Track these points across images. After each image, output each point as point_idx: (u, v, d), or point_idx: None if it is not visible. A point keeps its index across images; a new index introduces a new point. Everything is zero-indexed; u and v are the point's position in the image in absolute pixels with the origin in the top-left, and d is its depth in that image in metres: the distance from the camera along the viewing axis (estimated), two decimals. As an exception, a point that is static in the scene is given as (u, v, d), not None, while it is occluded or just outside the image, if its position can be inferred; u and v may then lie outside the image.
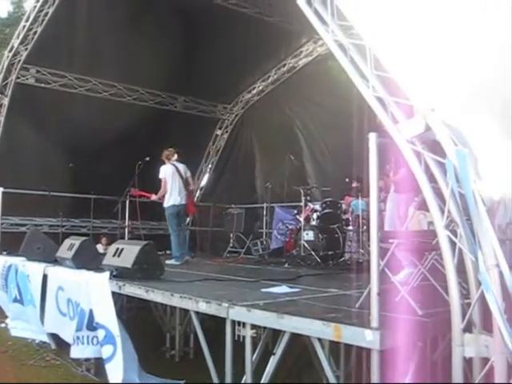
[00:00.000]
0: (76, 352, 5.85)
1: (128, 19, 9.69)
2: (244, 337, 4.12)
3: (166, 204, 8.99)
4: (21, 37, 10.04)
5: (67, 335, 6.22)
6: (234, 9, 10.12)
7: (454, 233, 3.09)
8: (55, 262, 7.35)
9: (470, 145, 3.13)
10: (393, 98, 3.32)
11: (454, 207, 3.01)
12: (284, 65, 12.51)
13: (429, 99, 3.20)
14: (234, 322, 4.17)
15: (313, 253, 8.89)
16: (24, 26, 9.93)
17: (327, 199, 9.47)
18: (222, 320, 4.30)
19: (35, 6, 9.64)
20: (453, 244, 3.04)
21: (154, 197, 9.20)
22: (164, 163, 9.12)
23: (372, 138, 3.32)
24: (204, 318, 4.84)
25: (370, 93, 3.39)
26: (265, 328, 4.11)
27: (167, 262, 8.50)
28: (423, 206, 4.21)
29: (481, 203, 2.85)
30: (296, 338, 3.92)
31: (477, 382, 2.92)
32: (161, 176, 8.98)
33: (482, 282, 2.73)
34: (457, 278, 2.99)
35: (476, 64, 4.70)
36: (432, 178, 3.22)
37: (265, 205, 11.91)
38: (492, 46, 5.05)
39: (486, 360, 2.96)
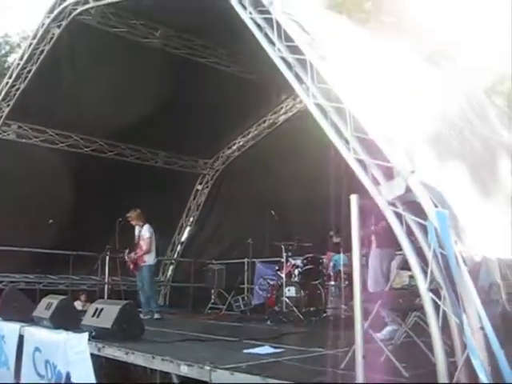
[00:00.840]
0: (53, 417, 5.65)
1: (110, 75, 9.80)
2: (227, 400, 4.02)
3: (151, 262, 9.31)
4: (3, 93, 10.11)
5: None
6: (215, 67, 10.29)
7: (437, 292, 3.09)
8: (32, 321, 7.16)
9: (450, 204, 3.17)
10: (373, 161, 3.37)
11: (437, 269, 3.02)
12: (264, 121, 12.68)
13: (408, 161, 3.25)
14: (216, 385, 4.08)
15: (295, 309, 8.81)
16: (7, 83, 10.01)
17: (308, 255, 9.46)
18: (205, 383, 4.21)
19: (18, 64, 9.75)
20: (436, 305, 3.04)
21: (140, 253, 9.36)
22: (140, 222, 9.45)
23: (353, 199, 3.35)
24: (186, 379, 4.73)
25: (350, 155, 3.44)
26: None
27: (156, 316, 9.06)
28: (406, 265, 4.24)
29: (463, 265, 2.87)
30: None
31: None
32: (150, 235, 9.32)
33: (468, 346, 2.72)
34: (442, 341, 2.97)
35: (448, 124, 4.86)
36: (414, 239, 3.24)
37: (246, 260, 11.82)
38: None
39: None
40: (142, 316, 8.63)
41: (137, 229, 9.46)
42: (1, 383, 7.12)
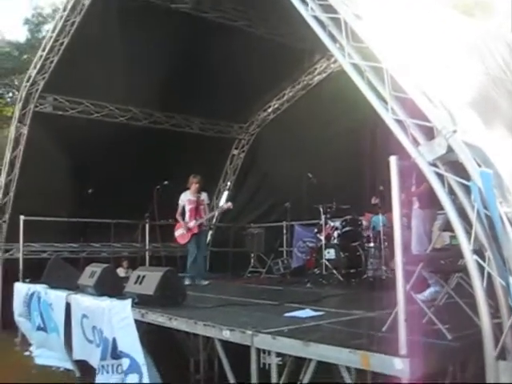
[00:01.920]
0: (101, 381, 5.79)
1: (141, 44, 9.75)
2: (269, 364, 4.05)
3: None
4: (38, 66, 10.18)
5: (96, 362, 6.19)
6: (246, 29, 10.14)
7: (481, 254, 3.02)
8: (77, 289, 7.34)
9: (494, 165, 3.06)
10: (413, 120, 3.27)
11: (481, 230, 2.94)
12: (299, 82, 12.53)
13: (449, 120, 3.14)
14: (258, 349, 4.11)
15: (335, 271, 8.81)
16: (41, 56, 10.07)
17: (347, 217, 9.39)
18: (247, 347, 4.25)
19: (51, 37, 9.78)
20: (481, 267, 2.97)
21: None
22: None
23: (393, 161, 3.26)
24: (227, 343, 4.78)
25: (389, 115, 3.35)
26: (290, 356, 4.05)
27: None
28: (448, 226, 4.15)
29: (509, 226, 2.78)
30: (322, 364, 3.86)
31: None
32: (209, 201, 9.78)
33: (515, 309, 2.66)
34: (487, 304, 2.90)
35: (491, 78, 4.67)
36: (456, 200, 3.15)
37: (284, 223, 11.84)
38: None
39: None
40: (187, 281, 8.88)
41: (191, 195, 9.39)
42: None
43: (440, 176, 3.15)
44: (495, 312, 3.08)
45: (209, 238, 14.15)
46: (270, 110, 13.41)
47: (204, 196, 9.48)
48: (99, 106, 11.38)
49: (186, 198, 9.36)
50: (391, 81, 3.41)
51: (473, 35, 5.70)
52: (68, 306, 6.99)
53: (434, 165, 3.18)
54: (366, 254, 9.13)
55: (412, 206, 6.09)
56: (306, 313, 5.24)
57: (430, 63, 3.77)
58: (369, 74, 3.60)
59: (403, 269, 3.24)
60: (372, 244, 9.18)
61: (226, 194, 14.40)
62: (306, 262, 10.65)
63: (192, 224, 9.21)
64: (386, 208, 9.09)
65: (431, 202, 5.80)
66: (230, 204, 9.56)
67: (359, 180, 10.44)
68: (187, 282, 8.82)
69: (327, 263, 8.96)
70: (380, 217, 9.08)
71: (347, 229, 9.22)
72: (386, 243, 8.93)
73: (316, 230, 9.90)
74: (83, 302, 6.74)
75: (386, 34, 3.60)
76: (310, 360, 3.83)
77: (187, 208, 9.32)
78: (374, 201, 9.63)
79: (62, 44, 9.69)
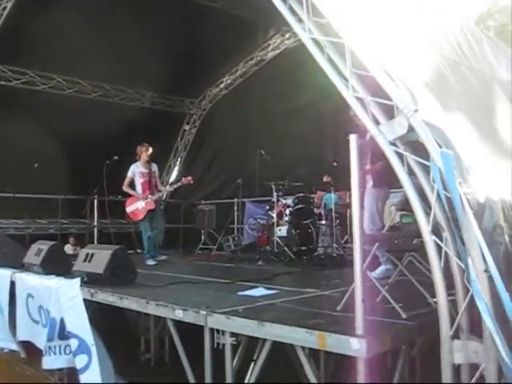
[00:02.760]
0: (48, 363, 5.60)
1: (91, 13, 9.38)
2: (223, 344, 4.00)
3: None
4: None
5: (41, 343, 6.01)
6: (201, 2, 9.89)
7: (439, 234, 3.02)
8: (23, 267, 7.08)
9: (454, 146, 3.05)
10: (373, 98, 3.22)
11: (440, 211, 2.93)
12: (252, 58, 12.39)
13: (411, 99, 3.10)
14: (212, 329, 4.05)
15: (286, 249, 8.82)
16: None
17: (299, 194, 9.39)
18: (200, 326, 4.18)
19: (-7, 2, 9.29)
20: (439, 248, 2.97)
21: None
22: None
23: (353, 139, 3.21)
24: (178, 322, 4.69)
25: (349, 93, 3.28)
26: (244, 335, 4.00)
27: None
28: (406, 206, 4.16)
29: (468, 207, 2.78)
30: (277, 343, 3.83)
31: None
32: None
33: (474, 290, 2.66)
34: (444, 284, 2.91)
35: (446, 60, 4.68)
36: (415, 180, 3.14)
37: (236, 200, 11.78)
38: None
39: (474, 366, 2.90)
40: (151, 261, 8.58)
41: (143, 166, 8.81)
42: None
43: (400, 155, 3.12)
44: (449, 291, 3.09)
45: (159, 213, 13.99)
46: (222, 85, 13.26)
47: (155, 167, 8.99)
48: (45, 77, 10.96)
49: (137, 171, 8.75)
50: (352, 58, 3.34)
51: (434, 21, 5.70)
52: (13, 285, 6.72)
53: (393, 144, 3.14)
54: (317, 231, 9.19)
55: (366, 184, 6.11)
56: (260, 291, 5.20)
57: (391, 43, 3.72)
58: (329, 50, 3.51)
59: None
60: (323, 222, 9.24)
61: (176, 170, 14.22)
62: (258, 239, 10.65)
63: (148, 199, 8.67)
64: (338, 186, 9.16)
65: (384, 181, 5.85)
66: (189, 178, 9.17)
67: (312, 158, 10.49)
68: (151, 263, 8.48)
69: (279, 240, 8.96)
70: (332, 195, 9.13)
71: (299, 206, 9.22)
72: (338, 221, 9.01)
73: (268, 208, 9.87)
74: (29, 280, 6.48)
75: (348, 11, 3.51)
76: (265, 340, 3.79)
77: (139, 181, 8.73)
78: (325, 179, 9.68)
79: (4, 9, 9.21)
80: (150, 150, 8.89)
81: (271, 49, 12.04)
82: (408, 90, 3.15)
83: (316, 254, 9.03)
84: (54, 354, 5.60)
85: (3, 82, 10.54)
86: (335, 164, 8.65)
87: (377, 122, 3.26)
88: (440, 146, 2.93)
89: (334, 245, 8.92)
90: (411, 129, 3.04)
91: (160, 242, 9.09)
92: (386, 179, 5.67)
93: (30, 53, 10.22)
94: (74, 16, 9.32)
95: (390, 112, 3.27)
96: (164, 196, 9.21)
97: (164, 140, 13.20)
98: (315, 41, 3.59)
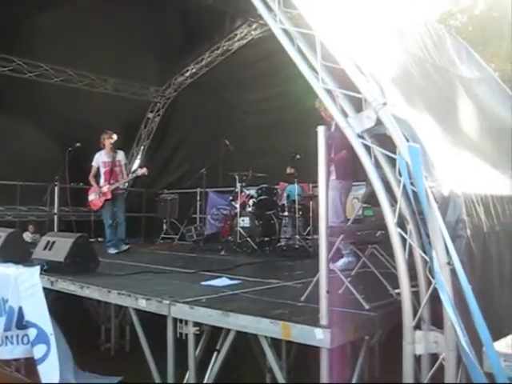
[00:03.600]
0: (5, 353, 5.47)
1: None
2: (186, 334, 3.99)
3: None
4: None
5: None
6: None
7: (404, 227, 3.07)
8: (-22, 255, 6.91)
9: (420, 140, 3.10)
10: (342, 91, 3.24)
11: (405, 204, 2.97)
12: (218, 47, 12.29)
13: (379, 93, 3.13)
14: (175, 319, 4.03)
15: (249, 239, 8.84)
16: None
17: (263, 185, 9.39)
18: (162, 316, 4.16)
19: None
20: (403, 240, 3.01)
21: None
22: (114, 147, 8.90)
23: (321, 131, 3.23)
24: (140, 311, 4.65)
25: (319, 85, 3.29)
26: (207, 325, 4.00)
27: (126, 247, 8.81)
28: (370, 199, 4.21)
29: (433, 201, 2.83)
30: (239, 334, 3.84)
31: (427, 377, 2.92)
32: (126, 161, 9.19)
33: (437, 282, 2.71)
34: (408, 275, 2.96)
35: (411, 56, 4.75)
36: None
37: (198, 190, 11.70)
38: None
39: (434, 356, 2.97)
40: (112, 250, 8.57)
41: (105, 155, 8.80)
42: None
43: (367, 148, 3.15)
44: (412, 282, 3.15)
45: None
46: (187, 74, 13.13)
47: (120, 156, 8.90)
48: (6, 59, 10.64)
49: (100, 160, 8.76)
50: (322, 50, 3.34)
51: (400, 17, 5.76)
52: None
53: (361, 137, 3.17)
54: (280, 222, 9.22)
55: (329, 177, 6.16)
56: (223, 281, 5.21)
57: (360, 37, 3.75)
58: (299, 41, 3.51)
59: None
60: (286, 213, 9.28)
61: (139, 158, 14.06)
62: (220, 229, 10.65)
63: (105, 188, 8.67)
64: (302, 178, 9.22)
65: (348, 173, 5.91)
66: (144, 170, 9.03)
67: (275, 149, 10.50)
68: (113, 251, 8.52)
69: (241, 231, 8.96)
70: (295, 186, 9.18)
71: (262, 197, 9.23)
72: (300, 213, 9.06)
73: (231, 198, 9.86)
74: (-15, 268, 6.34)
75: (319, 3, 3.52)
76: (229, 330, 3.79)
77: (102, 171, 8.74)
78: (289, 170, 9.70)
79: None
80: (114, 137, 8.80)
81: (238, 39, 11.96)
82: (377, 83, 3.18)
83: (278, 245, 9.08)
84: (12, 343, 5.47)
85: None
86: (298, 157, 8.69)
87: (345, 115, 3.28)
88: (407, 140, 2.97)
89: (297, 236, 8.98)
90: (379, 122, 3.07)
91: (122, 233, 8.99)
92: (350, 171, 5.75)
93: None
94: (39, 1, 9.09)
95: (358, 105, 3.30)
96: (122, 185, 8.99)
97: (127, 128, 12.98)
98: (285, 31, 3.59)
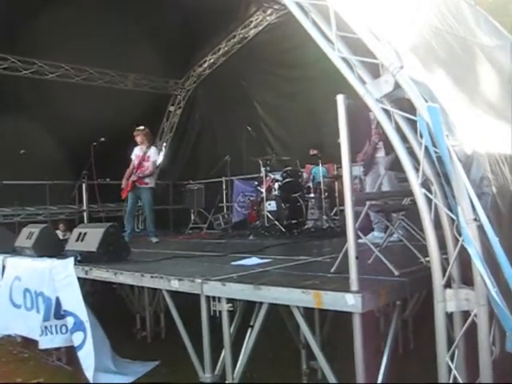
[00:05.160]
0: (45, 343, 5.64)
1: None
2: (220, 311, 4.05)
3: (152, 184, 8.99)
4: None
5: (20, 327, 6.06)
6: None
7: (428, 188, 3.08)
8: (14, 252, 7.08)
9: (440, 101, 3.10)
10: (359, 58, 3.25)
11: (428, 165, 2.98)
12: (234, 36, 12.36)
13: (396, 57, 3.14)
14: (208, 297, 4.10)
15: (277, 223, 8.88)
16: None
17: (287, 168, 9.42)
18: (194, 297, 4.22)
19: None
20: (428, 202, 3.03)
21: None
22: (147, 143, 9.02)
23: (340, 99, 3.26)
24: (173, 296, 4.72)
25: (335, 54, 3.31)
26: (240, 301, 4.06)
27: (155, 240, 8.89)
28: (393, 166, 4.22)
29: (456, 159, 2.84)
30: (272, 310, 3.90)
31: (459, 335, 2.94)
32: (157, 157, 9.23)
33: (464, 237, 2.73)
34: (435, 234, 2.98)
35: (428, 27, 4.72)
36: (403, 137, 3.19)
37: (224, 178, 11.81)
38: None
39: (466, 313, 2.99)
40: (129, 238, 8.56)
41: (139, 149, 8.95)
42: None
43: (387, 113, 3.16)
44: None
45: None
46: (205, 65, 13.22)
47: (151, 152, 8.95)
48: (27, 62, 10.85)
49: (134, 153, 8.98)
50: (336, 20, 3.36)
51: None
52: (4, 270, 6.74)
53: (380, 102, 3.19)
54: (306, 204, 9.25)
55: (375, 154, 6.18)
56: (253, 260, 5.26)
57: (375, 8, 3.75)
58: (313, 14, 3.53)
59: (352, 207, 3.27)
60: (312, 195, 9.30)
61: (163, 151, 14.20)
62: (248, 215, 10.69)
63: (130, 179, 8.81)
64: (327, 159, 9.24)
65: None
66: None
67: (299, 131, 10.52)
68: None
69: (269, 215, 9.01)
70: (320, 167, 9.20)
71: (288, 180, 9.25)
72: (326, 194, 9.09)
73: (256, 183, 9.91)
74: (20, 263, 6.49)
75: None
76: (262, 304, 3.85)
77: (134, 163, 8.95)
78: (312, 152, 9.74)
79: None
80: (136, 133, 8.98)
81: (253, 26, 11.99)
82: (393, 48, 3.19)
83: (306, 226, 9.12)
84: (51, 333, 5.64)
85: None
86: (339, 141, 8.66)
87: (363, 82, 3.30)
88: (426, 101, 2.98)
89: (324, 217, 9.01)
90: (397, 86, 3.08)
91: (150, 226, 9.15)
92: None
93: (11, 38, 10.12)
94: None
95: (375, 73, 3.31)
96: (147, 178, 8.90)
97: (150, 122, 13.11)
98: (299, 5, 3.61)
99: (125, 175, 8.89)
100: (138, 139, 8.97)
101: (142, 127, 9.04)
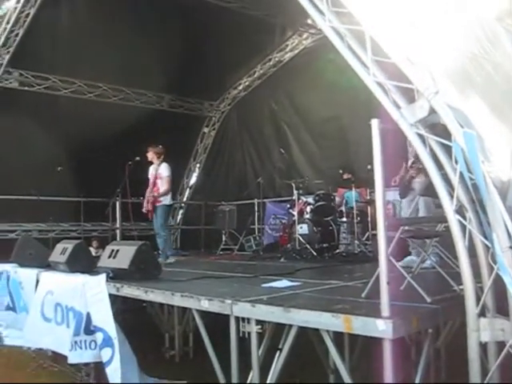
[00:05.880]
0: (74, 357, 5.68)
1: (111, 19, 9.53)
2: (249, 333, 4.04)
3: (166, 202, 8.83)
4: (2, 39, 9.85)
5: (49, 341, 6.12)
6: (218, 3, 9.99)
7: (463, 215, 3.05)
8: (48, 267, 7.20)
9: (475, 126, 3.08)
10: (394, 83, 3.26)
11: (463, 192, 2.95)
12: (270, 59, 12.48)
13: (431, 82, 3.14)
14: (237, 318, 4.09)
15: (308, 246, 8.83)
16: (5, 29, 9.74)
17: (320, 191, 9.40)
18: (223, 318, 4.21)
19: (16, 8, 9.46)
20: (463, 228, 2.99)
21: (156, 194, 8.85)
22: (156, 160, 8.95)
23: (374, 124, 3.25)
24: (202, 317, 4.73)
25: (370, 78, 3.32)
26: (269, 323, 4.04)
27: (169, 260, 8.62)
28: (427, 192, 4.18)
29: (491, 185, 2.80)
30: (301, 333, 3.86)
31: (494, 366, 2.87)
32: (169, 174, 8.81)
33: (499, 264, 2.68)
34: (469, 261, 2.94)
35: (464, 52, 4.69)
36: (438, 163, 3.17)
37: (256, 200, 11.83)
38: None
39: (501, 344, 2.92)
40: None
41: (152, 168, 8.97)
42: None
43: (421, 137, 3.15)
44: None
45: (179, 216, 14.11)
46: (240, 87, 13.36)
47: (162, 168, 8.85)
48: (67, 82, 11.15)
49: (149, 172, 9.00)
50: (373, 45, 3.38)
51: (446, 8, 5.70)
52: (38, 284, 6.85)
53: (415, 127, 3.18)
54: (338, 228, 9.20)
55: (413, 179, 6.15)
56: (284, 283, 5.23)
57: (409, 33, 3.75)
58: (349, 38, 3.56)
59: (385, 231, 3.25)
60: (345, 219, 9.26)
61: (196, 172, 14.34)
62: (279, 238, 10.68)
63: (146, 201, 8.86)
64: (360, 183, 9.21)
65: None
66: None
67: (332, 155, 10.52)
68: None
69: (300, 238, 8.97)
70: (353, 192, 9.16)
71: (320, 203, 9.23)
72: (359, 218, 9.03)
73: (289, 206, 9.91)
74: (53, 278, 6.59)
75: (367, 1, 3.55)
76: (291, 326, 3.82)
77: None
78: (346, 176, 9.72)
79: (27, 15, 9.39)
80: (150, 152, 8.97)
81: (289, 49, 12.11)
82: (429, 73, 3.18)
83: (338, 251, 9.07)
84: (80, 348, 5.68)
85: (26, 88, 10.72)
86: (369, 167, 8.65)
87: (398, 107, 3.30)
88: (462, 127, 2.96)
89: (356, 242, 8.95)
90: (432, 111, 3.07)
91: (161, 246, 8.94)
92: None
93: (51, 58, 10.44)
94: (92, 20, 9.50)
95: (411, 98, 3.31)
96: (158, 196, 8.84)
97: (184, 143, 13.34)
98: (335, 30, 3.64)
99: (145, 197, 8.90)
100: (149, 156, 8.93)
101: (150, 147, 8.98)
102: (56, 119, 10.61)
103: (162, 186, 8.78)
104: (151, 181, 8.94)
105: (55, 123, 10.61)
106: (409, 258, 5.65)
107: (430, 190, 3.32)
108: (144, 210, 8.91)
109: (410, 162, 6.20)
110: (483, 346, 2.99)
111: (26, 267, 7.51)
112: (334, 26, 3.61)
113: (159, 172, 8.87)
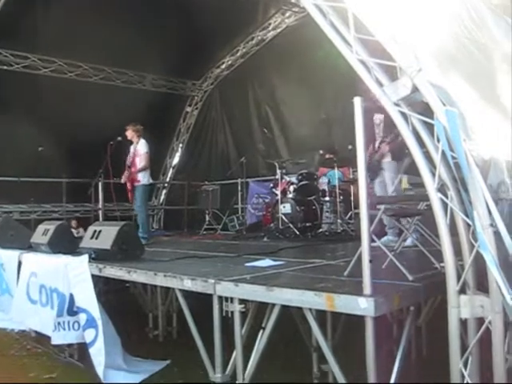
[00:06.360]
0: (57, 338, 5.69)
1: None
2: (232, 312, 4.04)
3: (145, 181, 8.68)
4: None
5: (35, 323, 6.14)
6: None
7: (444, 193, 3.05)
8: (29, 248, 7.15)
9: (458, 105, 3.07)
10: (377, 60, 3.24)
11: (445, 169, 2.96)
12: (252, 38, 12.39)
13: (414, 60, 3.12)
14: (221, 297, 4.09)
15: (291, 225, 8.86)
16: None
17: (303, 171, 9.41)
18: (206, 298, 4.21)
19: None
20: (444, 206, 3.00)
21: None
22: (136, 138, 8.83)
23: (357, 102, 3.24)
24: (185, 296, 4.73)
25: (353, 56, 3.30)
26: (252, 302, 4.05)
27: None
28: (410, 170, 4.20)
29: (473, 164, 2.81)
30: (284, 312, 3.88)
31: (473, 342, 2.90)
32: (147, 150, 8.62)
33: (480, 242, 2.70)
34: (450, 239, 2.95)
35: (447, 31, 4.67)
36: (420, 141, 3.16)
37: (239, 180, 11.82)
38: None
39: (480, 320, 2.95)
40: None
41: (132, 147, 8.86)
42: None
43: (404, 116, 3.14)
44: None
45: (162, 196, 14.07)
46: (223, 66, 13.26)
47: (140, 145, 8.70)
48: (47, 61, 10.99)
49: (130, 152, 8.88)
50: (355, 23, 3.35)
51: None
52: (20, 266, 6.80)
53: (397, 105, 3.17)
54: (321, 208, 9.23)
55: (382, 159, 6.16)
56: (267, 262, 5.25)
57: (392, 12, 3.72)
58: (332, 16, 3.52)
59: (367, 211, 3.25)
60: (327, 198, 9.28)
61: (179, 152, 14.27)
62: (262, 217, 10.70)
63: (123, 179, 8.75)
64: (342, 163, 9.21)
65: (403, 153, 5.87)
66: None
67: (314, 135, 10.51)
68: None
69: (283, 217, 9.00)
70: (335, 171, 9.17)
71: (303, 183, 9.24)
72: (342, 197, 9.06)
73: (272, 185, 9.91)
74: (36, 259, 6.56)
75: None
76: (274, 305, 3.84)
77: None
78: (327, 155, 9.72)
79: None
80: (127, 129, 8.86)
81: (272, 28, 12.00)
82: (412, 51, 3.16)
83: (320, 230, 9.10)
84: (63, 329, 5.69)
85: (5, 67, 10.53)
86: (350, 147, 8.63)
87: (380, 85, 3.28)
88: (444, 105, 2.95)
89: (339, 221, 8.99)
90: (415, 89, 3.06)
91: (139, 224, 8.74)
92: (404, 151, 5.70)
93: (31, 38, 10.25)
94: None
95: (393, 76, 3.29)
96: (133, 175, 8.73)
97: (167, 123, 13.24)
98: (318, 7, 3.59)
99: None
100: (128, 135, 8.80)
101: (129, 126, 8.84)
102: (36, 100, 10.45)
103: (140, 162, 8.63)
104: (130, 159, 8.80)
105: (35, 103, 10.45)
106: (385, 238, 5.68)
107: (412, 169, 3.31)
108: (122, 181, 8.78)
109: (377, 143, 6.23)
110: (463, 323, 3.02)
111: (7, 249, 7.46)
112: (316, 3, 3.57)
113: (137, 149, 8.74)
